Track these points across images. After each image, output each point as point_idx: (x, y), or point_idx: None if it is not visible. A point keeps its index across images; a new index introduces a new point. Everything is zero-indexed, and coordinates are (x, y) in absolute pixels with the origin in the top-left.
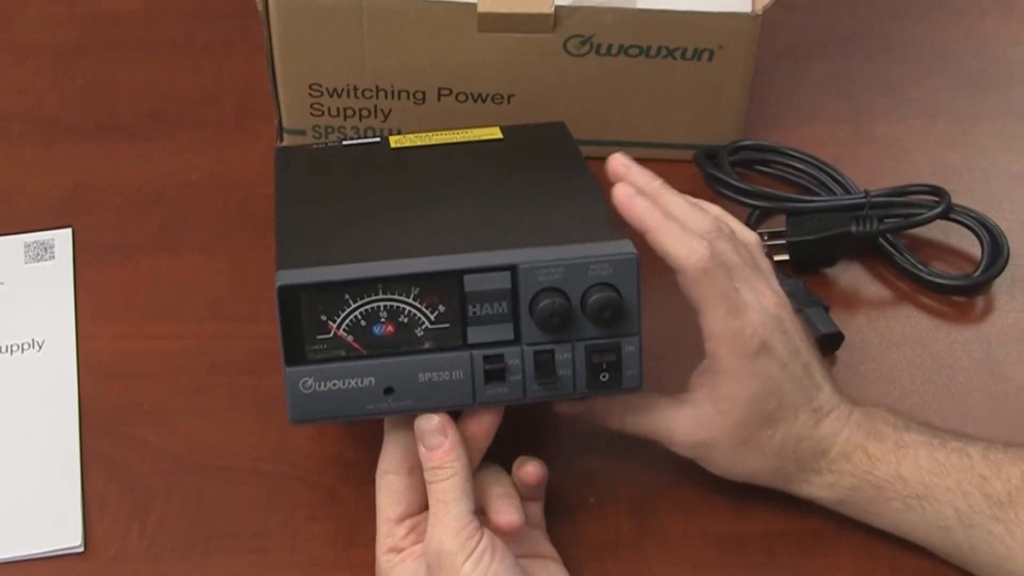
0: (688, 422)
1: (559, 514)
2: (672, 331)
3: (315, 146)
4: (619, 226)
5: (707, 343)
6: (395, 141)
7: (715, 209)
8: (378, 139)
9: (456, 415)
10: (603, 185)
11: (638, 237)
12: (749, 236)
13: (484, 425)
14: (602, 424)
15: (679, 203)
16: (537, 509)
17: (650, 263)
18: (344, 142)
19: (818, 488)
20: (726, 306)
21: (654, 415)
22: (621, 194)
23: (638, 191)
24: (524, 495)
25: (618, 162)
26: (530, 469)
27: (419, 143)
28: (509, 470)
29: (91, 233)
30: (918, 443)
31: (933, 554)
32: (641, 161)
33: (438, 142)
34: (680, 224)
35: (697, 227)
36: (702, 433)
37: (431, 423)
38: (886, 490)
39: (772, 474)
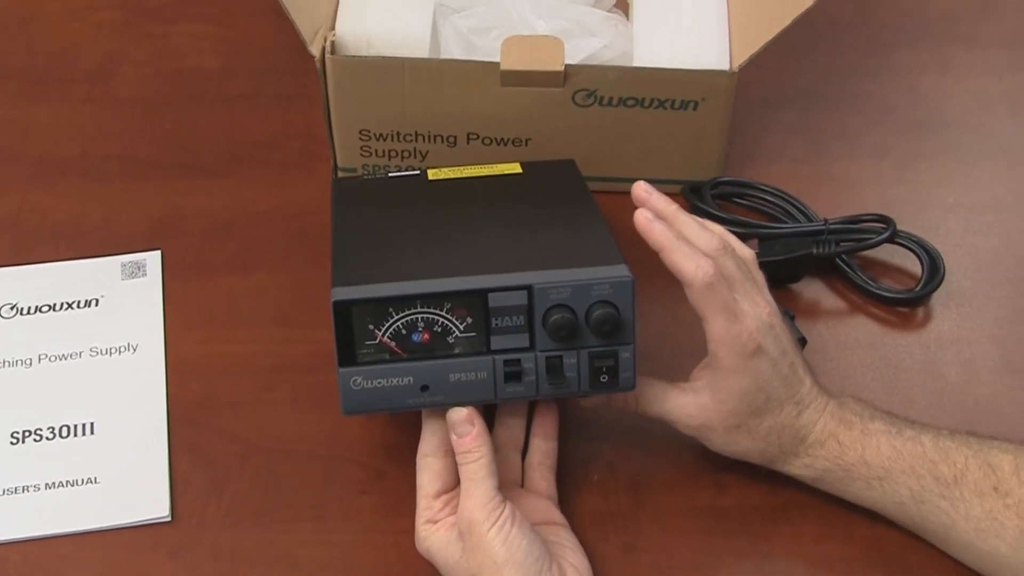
0: (691, 407)
1: (568, 489)
2: (664, 337)
3: (366, 177)
4: (619, 252)
5: (710, 345)
6: (432, 174)
7: (718, 228)
8: (418, 172)
9: (484, 409)
10: (605, 215)
11: (649, 257)
12: (746, 252)
13: (551, 419)
14: (622, 411)
15: (691, 224)
16: (551, 483)
17: (645, 284)
18: (390, 174)
19: (796, 468)
20: (726, 315)
21: (664, 402)
22: (641, 218)
23: (656, 215)
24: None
25: (641, 188)
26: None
27: (452, 175)
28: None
29: (177, 254)
30: (880, 432)
31: (882, 524)
32: None
33: (468, 175)
34: (690, 244)
35: (705, 246)
36: (702, 417)
37: (460, 415)
38: (852, 472)
39: (759, 454)
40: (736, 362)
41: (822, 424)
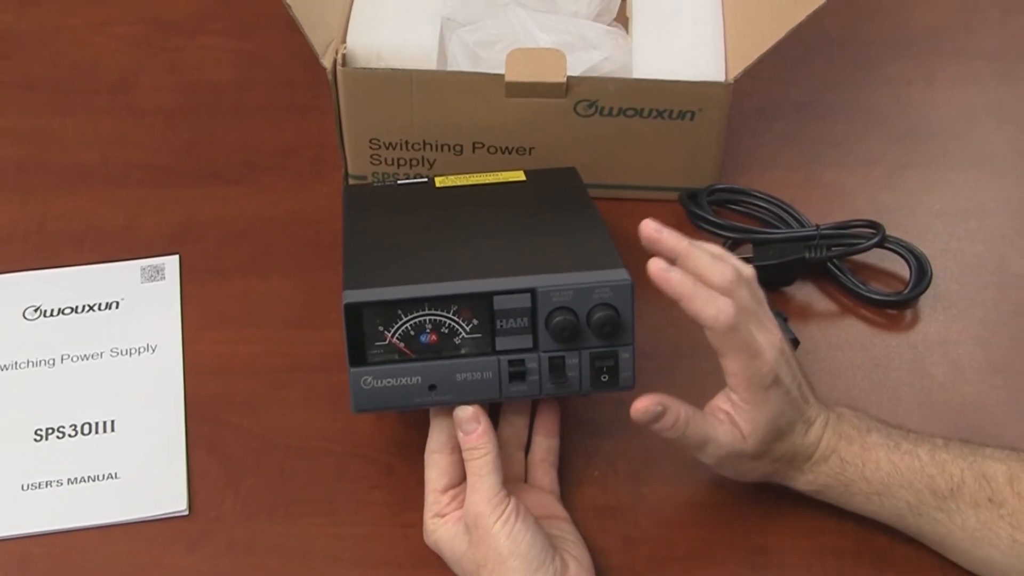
0: (731, 435)
1: (570, 484)
2: (662, 338)
3: (376, 184)
4: (619, 257)
5: (729, 379)
6: (439, 181)
7: (717, 250)
8: (426, 179)
9: (489, 408)
10: (606, 221)
11: (647, 261)
12: (747, 271)
13: (552, 417)
14: (672, 429)
15: (703, 259)
16: (553, 478)
17: (644, 287)
18: (399, 181)
19: (800, 484)
20: (747, 353)
21: (709, 426)
22: (656, 269)
23: (668, 258)
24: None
25: (651, 228)
26: (548, 410)
27: (459, 183)
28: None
29: (194, 259)
30: (878, 445)
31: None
32: (635, 201)
33: (474, 183)
34: (706, 288)
35: (719, 280)
36: (738, 447)
37: (467, 413)
38: (852, 487)
39: (772, 473)
40: (755, 395)
41: (825, 440)
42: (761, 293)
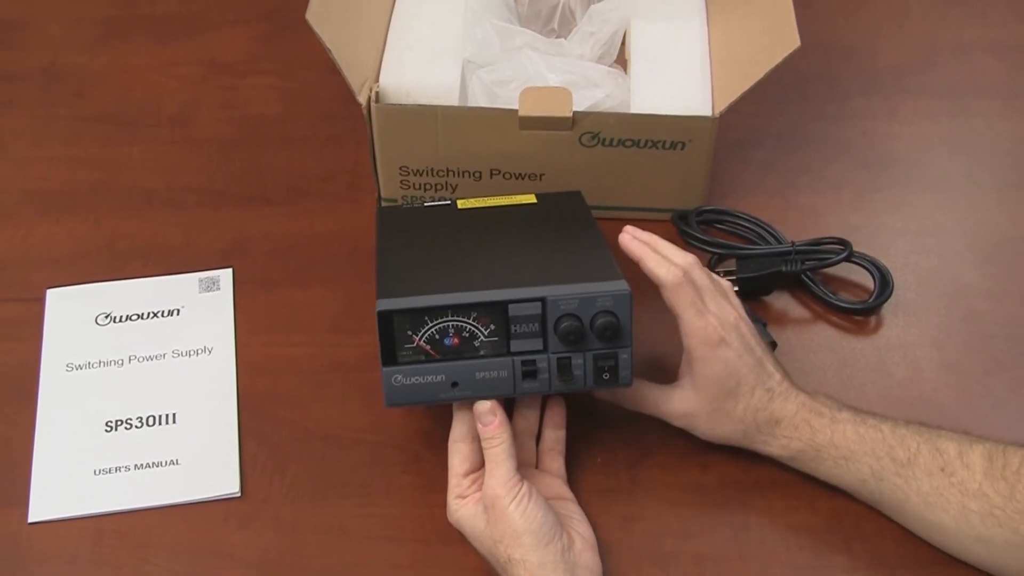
0: (678, 401)
1: (576, 468)
2: (657, 341)
3: (405, 206)
4: (618, 270)
5: (684, 339)
6: (461, 203)
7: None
8: (449, 202)
9: (504, 402)
10: (607, 238)
11: (644, 275)
12: (724, 284)
13: (560, 411)
14: (622, 405)
15: (669, 246)
16: (561, 464)
17: (641, 296)
18: (425, 203)
19: (774, 448)
20: (694, 310)
21: (656, 399)
22: (625, 235)
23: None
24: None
25: (627, 228)
26: (555, 405)
27: (478, 205)
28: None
29: (246, 271)
30: (846, 420)
31: (842, 497)
32: (631, 221)
33: (491, 204)
34: (663, 256)
35: (680, 260)
36: (687, 407)
37: (485, 407)
38: (823, 452)
39: (740, 435)
40: (704, 351)
41: (793, 410)
42: (736, 299)
